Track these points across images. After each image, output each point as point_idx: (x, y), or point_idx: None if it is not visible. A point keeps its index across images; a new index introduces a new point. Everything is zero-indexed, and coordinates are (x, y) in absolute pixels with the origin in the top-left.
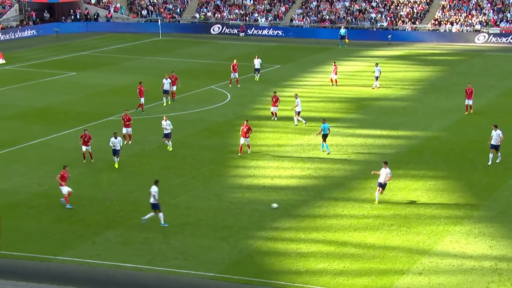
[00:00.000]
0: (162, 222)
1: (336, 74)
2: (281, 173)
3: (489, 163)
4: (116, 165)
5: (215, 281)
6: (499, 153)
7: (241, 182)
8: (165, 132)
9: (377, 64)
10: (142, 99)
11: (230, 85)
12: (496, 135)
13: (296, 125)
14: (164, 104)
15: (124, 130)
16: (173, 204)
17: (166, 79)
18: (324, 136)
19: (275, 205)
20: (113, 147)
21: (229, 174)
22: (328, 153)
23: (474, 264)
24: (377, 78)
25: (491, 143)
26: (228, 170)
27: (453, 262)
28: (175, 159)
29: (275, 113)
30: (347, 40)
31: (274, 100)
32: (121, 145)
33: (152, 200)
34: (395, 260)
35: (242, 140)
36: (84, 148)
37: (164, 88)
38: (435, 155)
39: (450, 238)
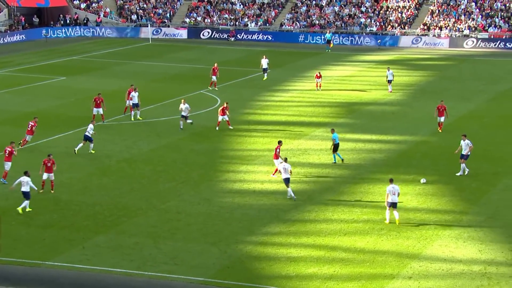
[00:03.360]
0: (291, 195)
1: (319, 78)
2: (271, 177)
3: (459, 173)
4: (21, 211)
5: (205, 286)
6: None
7: (231, 186)
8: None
9: (388, 69)
10: (98, 110)
11: (209, 87)
12: (465, 145)
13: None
14: (132, 119)
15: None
16: (163, 209)
17: (135, 92)
18: (336, 146)
19: (423, 180)
20: (22, 190)
21: (219, 179)
22: (342, 161)
23: (463, 268)
24: (390, 81)
25: (462, 153)
26: (218, 175)
27: (442, 266)
28: (165, 164)
29: (228, 121)
30: (331, 45)
31: (223, 109)
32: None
33: (285, 176)
34: (385, 264)
35: (277, 163)
36: (45, 176)
37: (133, 102)
38: (424, 160)
39: (440, 242)
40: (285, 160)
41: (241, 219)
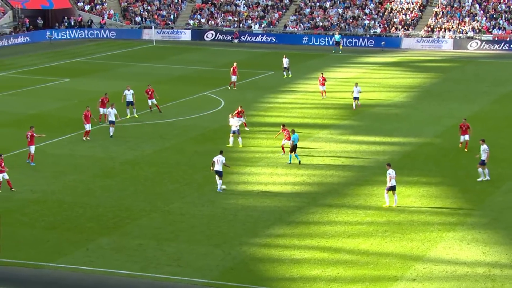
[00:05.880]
0: (219, 189)
1: (324, 85)
2: (275, 179)
3: (479, 179)
4: None
5: None
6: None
7: (234, 188)
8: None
9: (356, 85)
10: (104, 110)
11: (229, 87)
12: (482, 150)
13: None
14: (128, 116)
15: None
16: (167, 211)
17: (128, 90)
18: (294, 147)
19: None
20: None
21: (223, 181)
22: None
23: (467, 271)
24: (356, 98)
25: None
26: (222, 177)
27: (446, 269)
28: (169, 165)
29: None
30: (341, 46)
31: (238, 113)
32: None
33: (217, 168)
34: (388, 267)
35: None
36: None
37: (126, 100)
38: (428, 161)
39: (444, 244)
40: (221, 152)
41: (244, 221)
